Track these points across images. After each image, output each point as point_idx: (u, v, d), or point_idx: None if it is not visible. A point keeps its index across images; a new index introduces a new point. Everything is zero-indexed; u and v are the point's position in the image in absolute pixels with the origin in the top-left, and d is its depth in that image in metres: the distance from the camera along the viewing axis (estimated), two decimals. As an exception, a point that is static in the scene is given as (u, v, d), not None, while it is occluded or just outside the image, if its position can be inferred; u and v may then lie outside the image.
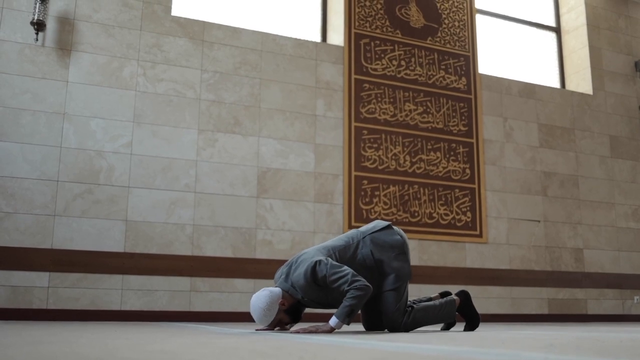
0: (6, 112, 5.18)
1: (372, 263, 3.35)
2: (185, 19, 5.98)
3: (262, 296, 3.13)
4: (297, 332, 2.94)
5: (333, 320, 2.99)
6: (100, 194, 5.35)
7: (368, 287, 3.05)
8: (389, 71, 6.77)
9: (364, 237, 3.42)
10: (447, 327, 3.65)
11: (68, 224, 5.21)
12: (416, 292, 6.37)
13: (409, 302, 3.45)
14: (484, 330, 3.49)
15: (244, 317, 5.62)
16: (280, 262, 5.88)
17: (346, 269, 3.09)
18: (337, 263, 3.15)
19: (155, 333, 2.79)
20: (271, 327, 3.22)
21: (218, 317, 5.53)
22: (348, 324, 3.02)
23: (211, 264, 5.62)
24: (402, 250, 3.42)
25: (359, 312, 3.29)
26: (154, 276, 5.41)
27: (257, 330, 3.32)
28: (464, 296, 3.60)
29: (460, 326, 3.83)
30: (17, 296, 4.97)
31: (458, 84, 7.11)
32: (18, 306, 4.94)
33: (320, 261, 3.10)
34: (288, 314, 3.23)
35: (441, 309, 3.46)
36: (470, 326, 3.59)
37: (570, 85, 8.22)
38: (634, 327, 4.29)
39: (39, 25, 5.29)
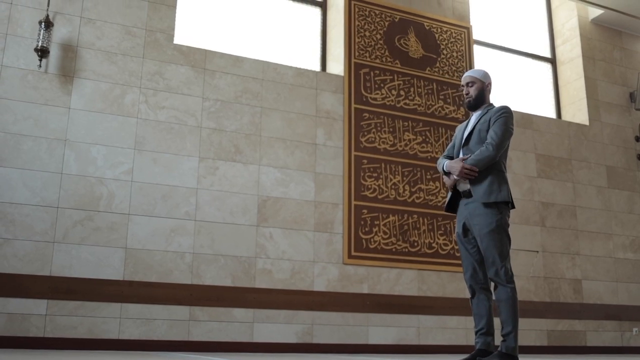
0: (7, 137, 5.16)
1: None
2: (187, 47, 6.01)
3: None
4: (464, 169, 3.68)
5: (468, 161, 3.70)
6: (100, 221, 5.31)
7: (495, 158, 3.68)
8: (388, 101, 6.81)
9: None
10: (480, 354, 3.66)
11: (67, 250, 5.16)
12: (415, 322, 6.33)
13: None
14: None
15: (243, 348, 5.55)
16: (280, 292, 5.86)
17: (507, 141, 3.75)
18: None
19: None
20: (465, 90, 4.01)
21: (216, 347, 5.46)
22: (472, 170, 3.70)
23: (210, 293, 5.56)
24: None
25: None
26: (152, 305, 5.35)
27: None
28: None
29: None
30: (14, 324, 4.89)
31: (457, 114, 7.15)
32: (15, 334, 4.87)
33: (509, 113, 3.82)
34: (477, 96, 3.96)
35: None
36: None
37: (567, 116, 8.29)
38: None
39: (43, 52, 5.30)
